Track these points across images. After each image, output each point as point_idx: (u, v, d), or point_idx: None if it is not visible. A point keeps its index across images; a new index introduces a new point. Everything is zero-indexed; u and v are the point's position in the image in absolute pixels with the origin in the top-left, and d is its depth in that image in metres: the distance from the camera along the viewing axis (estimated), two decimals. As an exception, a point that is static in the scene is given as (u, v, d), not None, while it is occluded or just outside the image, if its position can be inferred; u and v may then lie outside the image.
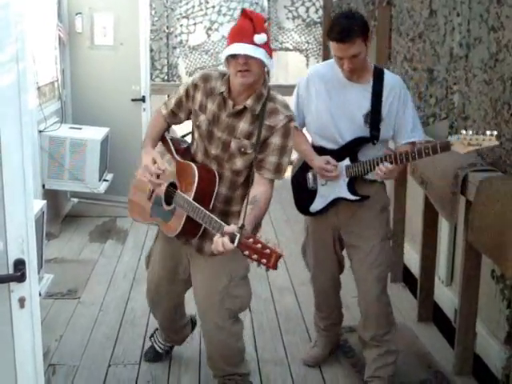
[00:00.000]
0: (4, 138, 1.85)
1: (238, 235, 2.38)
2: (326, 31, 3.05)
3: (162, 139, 3.07)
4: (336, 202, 3.21)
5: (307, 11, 7.86)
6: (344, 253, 3.44)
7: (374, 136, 3.08)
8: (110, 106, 6.18)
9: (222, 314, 2.99)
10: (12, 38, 1.81)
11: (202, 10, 7.52)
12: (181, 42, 7.61)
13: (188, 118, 2.98)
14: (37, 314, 2.04)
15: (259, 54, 2.57)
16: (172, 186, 2.91)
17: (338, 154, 3.15)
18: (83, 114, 6.26)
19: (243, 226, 2.44)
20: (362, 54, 2.95)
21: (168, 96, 6.35)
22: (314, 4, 7.79)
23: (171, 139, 3.08)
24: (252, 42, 2.57)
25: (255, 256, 2.31)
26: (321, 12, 7.70)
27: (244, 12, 2.65)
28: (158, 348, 3.66)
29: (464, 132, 2.74)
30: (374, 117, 3.06)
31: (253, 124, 2.73)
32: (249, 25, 2.58)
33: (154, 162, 2.85)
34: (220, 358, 3.14)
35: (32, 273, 1.99)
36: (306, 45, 7.92)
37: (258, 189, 2.72)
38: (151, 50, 7.24)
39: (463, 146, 2.72)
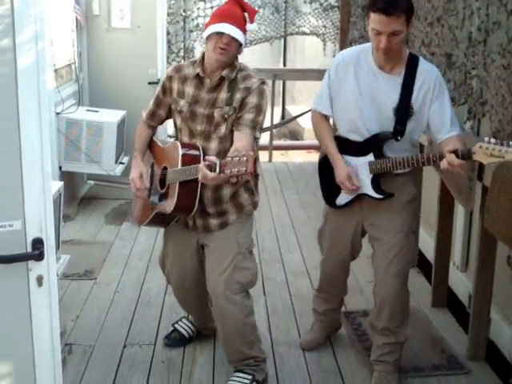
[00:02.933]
0: (23, 120, 1.87)
1: (218, 161, 2.65)
2: (370, 2, 2.93)
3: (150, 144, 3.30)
4: (360, 196, 3.14)
5: (325, -5, 7.81)
6: (364, 241, 3.39)
7: (397, 131, 2.98)
8: (127, 89, 6.20)
9: (232, 287, 3.09)
10: (31, 18, 1.83)
11: (218, -7, 7.50)
12: (197, 25, 7.59)
13: (168, 114, 3.20)
14: (54, 293, 2.07)
15: (242, 39, 2.92)
16: (165, 169, 3.12)
17: (362, 148, 3.07)
18: (100, 96, 6.28)
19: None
20: (401, 35, 2.81)
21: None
22: (331, -13, 7.74)
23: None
24: (242, 28, 2.91)
25: (236, 169, 2.58)
26: (338, -4, 7.65)
27: None
28: (184, 332, 3.67)
29: (486, 139, 2.66)
30: (402, 110, 2.96)
31: (230, 91, 2.96)
32: (240, 12, 2.94)
33: (141, 176, 3.14)
34: (234, 335, 3.20)
35: (50, 252, 2.01)
36: (323, 29, 7.87)
37: (238, 143, 2.91)
38: (168, 33, 7.23)
39: (485, 156, 2.65)
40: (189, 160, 2.94)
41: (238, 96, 2.95)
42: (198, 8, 7.54)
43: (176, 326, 3.70)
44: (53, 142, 5.39)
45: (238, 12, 2.95)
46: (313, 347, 3.65)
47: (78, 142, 5.60)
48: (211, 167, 2.67)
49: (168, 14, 7.26)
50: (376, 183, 3.08)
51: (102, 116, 5.76)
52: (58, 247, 3.78)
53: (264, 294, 4.35)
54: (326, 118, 3.19)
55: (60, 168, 5.61)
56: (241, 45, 2.95)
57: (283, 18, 7.81)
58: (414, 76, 2.96)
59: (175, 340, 3.64)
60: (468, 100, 3.72)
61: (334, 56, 7.81)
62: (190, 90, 3.04)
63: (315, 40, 8.32)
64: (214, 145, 3.01)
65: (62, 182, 3.82)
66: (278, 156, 8.54)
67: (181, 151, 2.96)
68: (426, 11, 4.42)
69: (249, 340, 3.24)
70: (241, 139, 2.92)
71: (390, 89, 2.98)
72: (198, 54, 8.65)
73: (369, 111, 3.02)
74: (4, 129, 1.87)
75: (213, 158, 2.72)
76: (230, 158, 2.62)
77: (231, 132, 2.99)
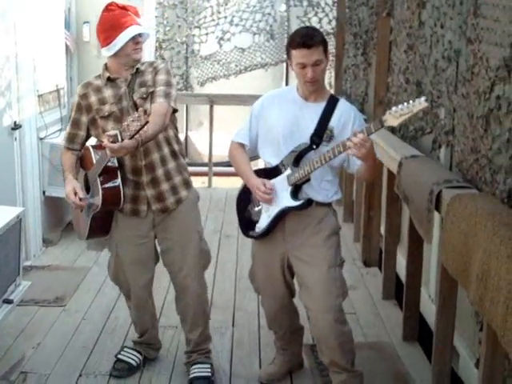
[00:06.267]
0: None
1: (118, 131, 2.87)
2: (289, 42, 3.05)
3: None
4: (282, 217, 3.10)
5: (320, 22, 7.80)
6: None
7: (313, 142, 3.02)
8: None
9: (199, 270, 3.48)
10: None
11: (213, 20, 7.52)
12: (193, 51, 7.61)
13: (88, 133, 3.36)
14: None
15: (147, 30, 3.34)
16: (86, 175, 3.34)
17: (278, 168, 3.09)
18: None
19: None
20: (323, 65, 2.96)
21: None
22: (327, 15, 7.74)
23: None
24: (138, 24, 3.24)
25: (133, 128, 2.78)
26: (334, 23, 7.63)
27: (114, 4, 3.24)
28: (131, 361, 3.62)
29: (394, 107, 2.72)
30: (319, 130, 3.02)
31: (142, 76, 3.26)
32: (125, 12, 3.22)
33: (75, 192, 3.24)
34: (198, 308, 3.51)
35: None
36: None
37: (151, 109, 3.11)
38: (163, 59, 7.25)
39: (395, 118, 2.70)
40: (100, 148, 3.13)
41: (149, 77, 3.25)
42: (194, 35, 7.56)
43: (120, 356, 3.63)
44: (35, 167, 5.40)
45: (126, 14, 3.24)
46: (271, 381, 3.56)
47: (61, 167, 5.58)
48: (114, 140, 2.87)
49: (163, 41, 7.29)
50: (294, 193, 3.06)
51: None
52: (17, 273, 3.74)
53: (233, 325, 4.27)
54: (242, 146, 3.25)
55: (44, 193, 5.60)
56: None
57: (278, 44, 7.80)
58: (334, 107, 3.06)
59: (124, 370, 3.57)
60: (433, 129, 3.64)
61: (329, 82, 7.78)
62: (108, 93, 3.26)
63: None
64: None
65: (23, 208, 3.81)
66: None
67: (90, 146, 3.26)
68: (402, 38, 4.38)
69: (206, 315, 3.62)
70: (155, 107, 3.15)
71: (312, 115, 3.06)
72: (193, 80, 8.77)
73: (290, 136, 3.07)
74: None
75: (112, 132, 2.92)
76: (126, 123, 2.84)
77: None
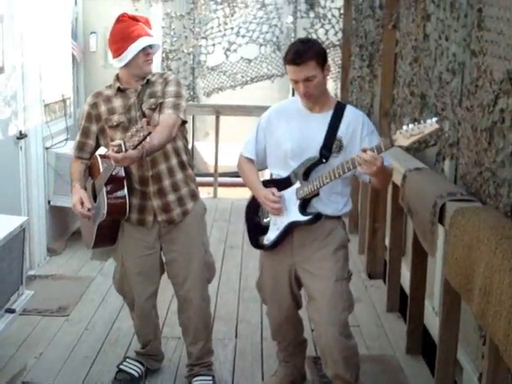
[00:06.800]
0: None
1: (122, 141, 2.89)
2: (284, 56, 3.07)
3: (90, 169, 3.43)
4: (290, 230, 3.10)
5: (326, 34, 7.81)
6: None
7: (323, 155, 3.01)
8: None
9: (203, 283, 3.50)
10: None
11: (220, 31, 7.55)
12: (199, 62, 7.63)
13: (97, 143, 3.38)
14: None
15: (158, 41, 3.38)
16: (93, 184, 3.36)
17: (287, 181, 3.09)
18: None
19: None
20: (317, 79, 2.94)
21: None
22: (333, 27, 7.75)
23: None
24: (149, 35, 3.27)
25: (136, 138, 2.80)
26: (340, 35, 7.64)
27: (126, 15, 3.27)
28: (133, 372, 3.61)
29: (405, 127, 2.69)
30: (328, 141, 3.01)
31: (152, 87, 3.27)
32: (137, 23, 3.24)
33: (82, 202, 3.24)
34: (200, 323, 3.52)
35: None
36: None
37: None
38: (169, 70, 7.27)
39: (406, 138, 2.67)
40: (108, 157, 3.12)
41: (159, 88, 3.27)
42: (200, 45, 7.59)
43: (122, 366, 3.62)
44: (41, 177, 5.42)
45: (138, 25, 3.26)
46: (273, 393, 3.54)
47: (67, 176, 5.59)
48: (119, 150, 2.89)
49: (170, 51, 7.32)
50: (303, 207, 3.05)
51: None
52: (21, 282, 3.75)
53: (236, 336, 4.25)
54: (251, 161, 3.25)
55: (49, 202, 5.62)
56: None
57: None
58: (341, 115, 3.05)
59: (126, 381, 3.56)
60: (438, 142, 3.64)
61: (335, 94, 7.78)
62: (118, 103, 3.29)
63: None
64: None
65: (27, 217, 3.81)
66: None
67: (98, 156, 3.29)
68: (407, 51, 4.38)
69: (210, 328, 3.65)
70: (164, 117, 3.18)
71: (319, 126, 3.05)
72: (199, 91, 8.80)
73: (298, 149, 3.06)
74: None
75: (117, 142, 2.94)
76: (129, 133, 2.86)
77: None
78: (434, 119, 2.63)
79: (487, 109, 2.96)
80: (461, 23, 3.35)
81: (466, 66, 3.24)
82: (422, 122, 2.66)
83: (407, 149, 4.22)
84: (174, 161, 3.31)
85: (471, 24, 3.17)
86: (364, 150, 2.75)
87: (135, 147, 2.85)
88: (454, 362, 3.38)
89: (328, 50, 7.84)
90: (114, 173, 3.18)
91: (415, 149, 4.06)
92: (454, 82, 3.37)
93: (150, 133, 2.80)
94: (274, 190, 3.08)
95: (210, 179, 8.19)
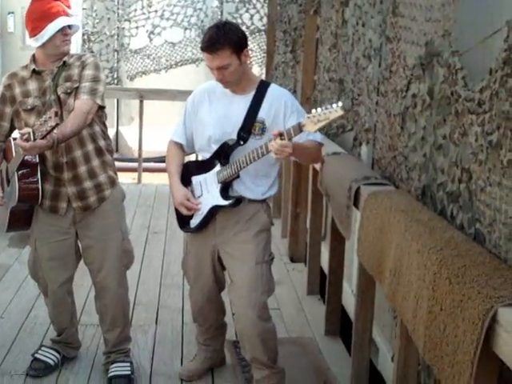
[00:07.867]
0: None
1: (31, 130, 2.83)
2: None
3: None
4: (213, 213, 3.10)
5: (251, 18, 7.80)
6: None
7: (241, 137, 3.00)
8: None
9: (120, 270, 3.42)
10: None
11: (144, 13, 7.42)
12: (122, 45, 7.50)
13: (12, 125, 3.26)
14: None
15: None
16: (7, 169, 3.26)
17: (209, 163, 3.09)
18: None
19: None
20: (231, 67, 2.90)
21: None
22: (258, 11, 7.73)
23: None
24: (68, 14, 3.17)
25: (44, 129, 2.76)
26: (265, 20, 7.64)
27: None
28: (48, 360, 3.54)
29: (314, 111, 2.69)
30: (247, 122, 2.99)
31: (69, 69, 3.18)
32: (55, 2, 3.13)
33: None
34: (117, 310, 3.44)
35: None
36: (250, 52, 7.84)
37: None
38: (91, 52, 7.11)
39: (313, 124, 2.68)
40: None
41: (75, 71, 3.17)
42: (123, 28, 7.45)
43: (37, 355, 3.54)
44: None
45: (58, 5, 3.16)
46: (192, 377, 3.53)
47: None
48: (27, 138, 2.83)
49: (92, 33, 7.16)
50: (224, 190, 3.06)
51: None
52: None
53: (156, 322, 4.22)
54: (179, 146, 3.24)
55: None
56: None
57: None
58: (262, 96, 3.02)
59: (41, 370, 3.48)
60: (354, 127, 3.69)
61: (260, 79, 7.77)
62: (33, 86, 3.18)
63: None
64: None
65: None
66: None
67: (12, 139, 3.17)
68: (327, 37, 4.41)
69: (128, 315, 3.58)
70: (79, 103, 3.11)
71: (241, 107, 3.04)
72: (123, 74, 8.65)
73: (219, 129, 3.05)
74: None
75: (25, 130, 2.89)
76: (38, 123, 2.82)
77: None
78: (340, 104, 2.64)
79: (400, 94, 3.01)
80: (377, 9, 3.40)
81: (381, 51, 3.29)
82: (328, 106, 2.67)
83: (326, 133, 4.27)
84: (90, 147, 3.23)
85: (386, 10, 3.21)
86: (274, 138, 2.75)
87: (44, 137, 2.81)
88: (370, 342, 3.46)
89: (253, 35, 7.86)
90: (27, 158, 3.10)
91: (333, 134, 4.11)
92: (369, 67, 3.41)
93: (57, 124, 2.76)
94: (189, 193, 3.11)
95: (135, 165, 8.09)
